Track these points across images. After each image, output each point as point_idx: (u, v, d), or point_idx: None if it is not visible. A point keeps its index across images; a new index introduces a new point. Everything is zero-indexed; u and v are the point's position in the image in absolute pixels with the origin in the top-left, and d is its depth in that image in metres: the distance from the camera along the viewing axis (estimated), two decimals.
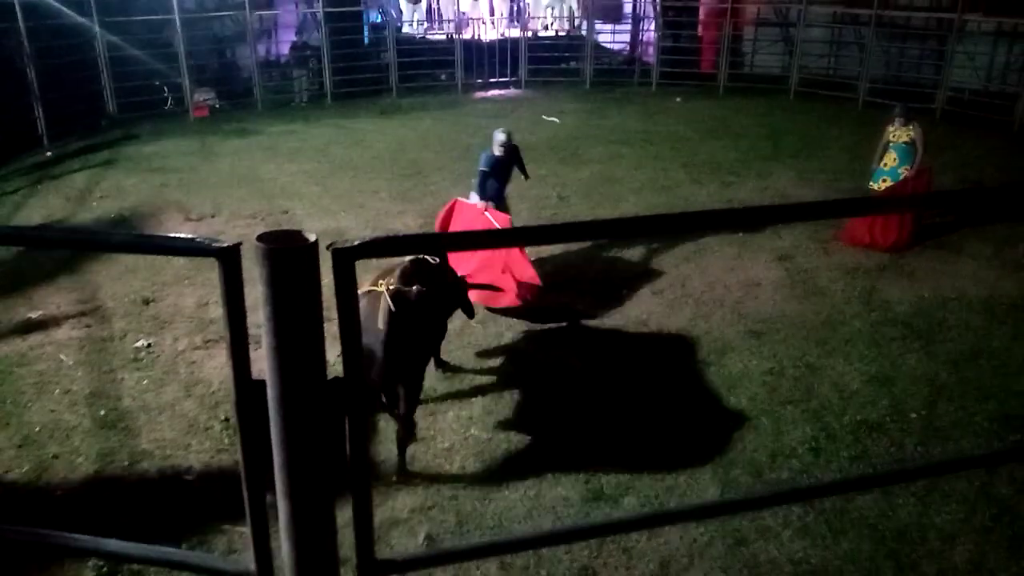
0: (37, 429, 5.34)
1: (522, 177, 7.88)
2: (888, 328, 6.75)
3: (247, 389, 1.18)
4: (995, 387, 5.88)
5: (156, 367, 6.13)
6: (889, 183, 8.46)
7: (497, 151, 7.31)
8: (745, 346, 6.47)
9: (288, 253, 1.09)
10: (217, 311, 6.67)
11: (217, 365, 6.09)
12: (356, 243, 1.14)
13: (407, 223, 9.20)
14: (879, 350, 6.41)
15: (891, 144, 8.51)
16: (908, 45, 15.87)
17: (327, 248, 1.13)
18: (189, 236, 1.25)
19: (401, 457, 4.90)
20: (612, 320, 6.92)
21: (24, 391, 5.78)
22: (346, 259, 1.13)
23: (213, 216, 9.37)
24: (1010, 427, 5.45)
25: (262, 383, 1.16)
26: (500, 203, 7.36)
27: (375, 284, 4.89)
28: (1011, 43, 14.65)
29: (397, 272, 5.01)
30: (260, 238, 1.09)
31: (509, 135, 7.42)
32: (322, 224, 9.14)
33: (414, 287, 4.87)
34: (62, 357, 6.22)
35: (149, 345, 6.42)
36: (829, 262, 8.01)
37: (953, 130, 13.13)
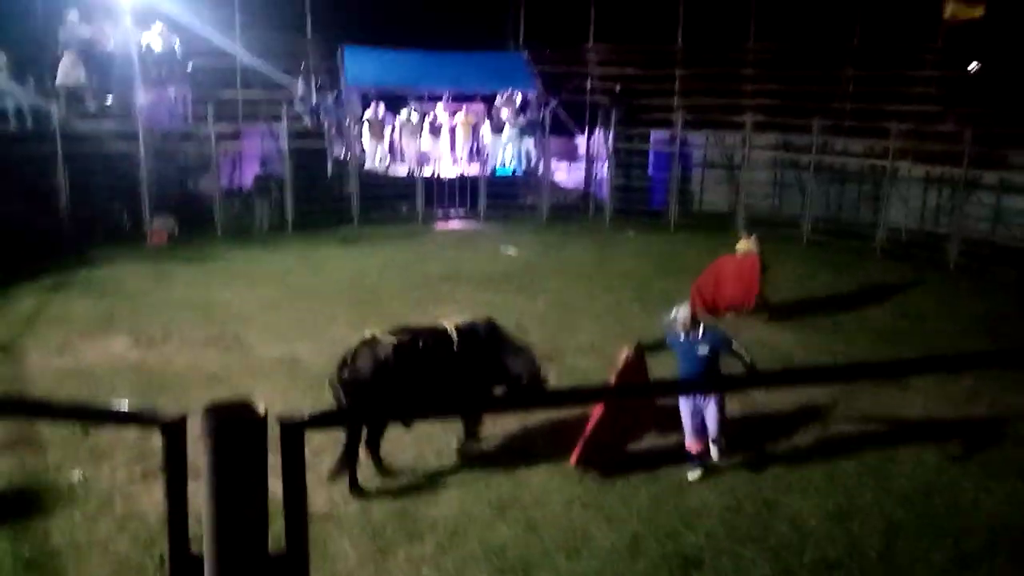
0: None
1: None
2: (843, 463, 6.77)
3: (185, 566, 1.11)
4: (950, 524, 5.87)
5: (91, 501, 5.81)
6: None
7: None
8: (702, 480, 6.41)
9: (234, 427, 1.05)
10: (158, 442, 6.42)
11: (155, 499, 5.79)
12: (306, 416, 1.12)
13: None
14: (835, 485, 6.39)
15: (739, 253, 11.02)
16: (846, 187, 16.83)
17: (276, 421, 1.11)
18: (134, 408, 1.21)
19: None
20: (565, 451, 6.81)
21: None
22: (295, 432, 1.10)
23: (163, 342, 9.19)
24: (967, 565, 5.41)
25: (200, 561, 1.10)
26: None
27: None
28: (939, 188, 15.65)
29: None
30: (208, 411, 1.06)
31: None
32: (276, 351, 9.02)
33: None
34: None
35: (85, 478, 6.10)
36: (783, 396, 8.11)
37: (893, 266, 13.76)
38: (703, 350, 6.32)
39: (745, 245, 11.06)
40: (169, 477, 1.09)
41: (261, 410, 1.11)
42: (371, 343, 6.29)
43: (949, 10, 17.51)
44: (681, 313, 6.39)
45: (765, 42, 19.15)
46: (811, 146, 16.05)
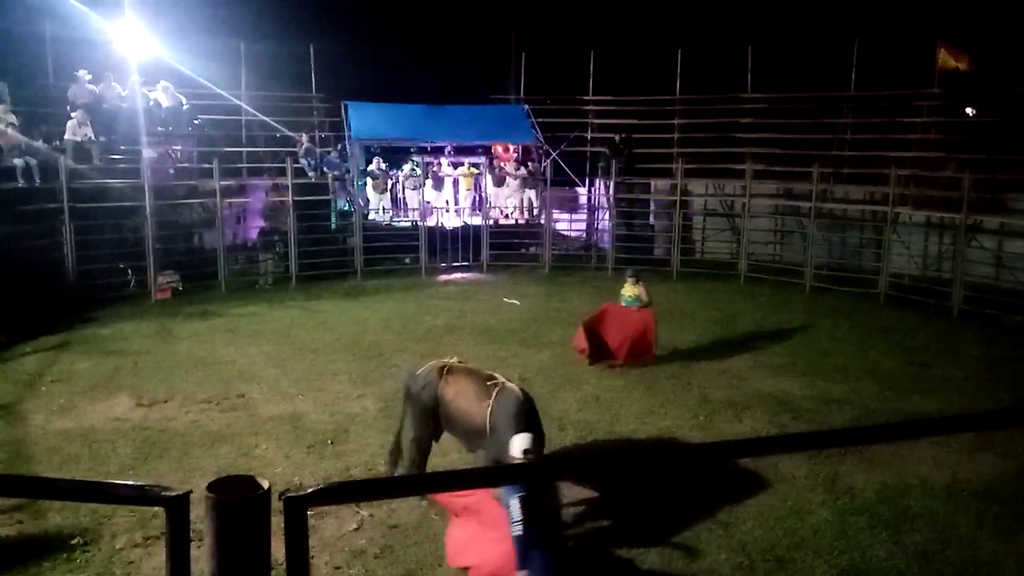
0: None
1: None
2: (854, 517, 6.65)
3: None
4: None
5: (91, 567, 5.71)
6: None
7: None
8: (713, 538, 6.29)
9: (237, 504, 1.05)
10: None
11: (156, 565, 5.70)
12: (309, 491, 1.11)
13: (366, 406, 9.07)
14: (847, 541, 6.27)
15: (623, 297, 10.93)
16: (848, 233, 16.90)
17: (279, 498, 1.09)
18: (137, 484, 1.20)
19: None
20: (570, 514, 6.71)
21: None
22: (298, 507, 1.09)
23: (166, 401, 9.13)
24: None
25: None
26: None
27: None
28: (941, 233, 15.72)
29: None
30: (211, 487, 1.06)
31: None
32: (279, 408, 8.96)
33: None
34: None
35: (85, 543, 6.01)
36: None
37: (896, 313, 13.74)
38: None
39: (631, 290, 10.90)
40: (172, 553, 1.07)
41: (265, 485, 1.10)
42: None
43: (940, 58, 17.80)
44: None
45: (762, 92, 19.43)
46: (811, 193, 16.16)
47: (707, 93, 19.70)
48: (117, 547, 5.97)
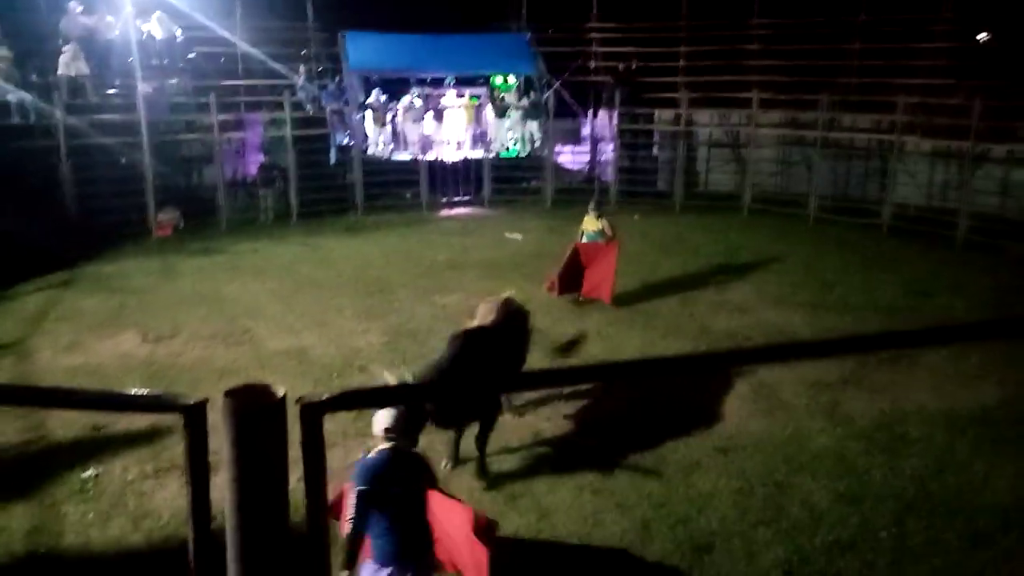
0: None
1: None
2: (853, 443, 6.76)
3: (208, 551, 1.13)
4: (962, 503, 5.85)
5: (103, 499, 5.85)
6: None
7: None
8: (713, 464, 6.41)
9: (255, 411, 1.06)
10: (170, 438, 6.47)
11: (168, 496, 5.83)
12: (324, 397, 1.13)
13: (370, 341, 9.14)
14: (845, 466, 6.38)
15: (584, 232, 10.52)
16: (853, 164, 16.69)
17: (296, 403, 1.11)
18: (155, 393, 1.22)
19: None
20: (574, 441, 6.82)
21: None
22: (314, 413, 1.11)
23: (172, 337, 9.21)
24: (980, 544, 5.40)
25: (221, 545, 1.12)
26: None
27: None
28: (947, 163, 15.51)
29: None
30: (228, 394, 1.07)
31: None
32: (284, 343, 9.04)
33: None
34: None
35: (96, 475, 6.14)
36: (792, 376, 8.08)
37: (900, 244, 13.68)
38: None
39: (594, 224, 10.46)
40: (191, 461, 1.10)
41: (280, 392, 1.14)
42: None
43: None
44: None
45: (769, 18, 18.91)
46: (817, 122, 15.91)
47: (714, 19, 19.19)
48: (128, 478, 6.10)
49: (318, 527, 1.15)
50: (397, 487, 3.97)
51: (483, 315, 6.92)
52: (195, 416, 1.10)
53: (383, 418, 4.09)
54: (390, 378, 5.41)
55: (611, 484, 6.14)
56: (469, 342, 6.22)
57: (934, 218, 14.37)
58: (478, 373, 5.68)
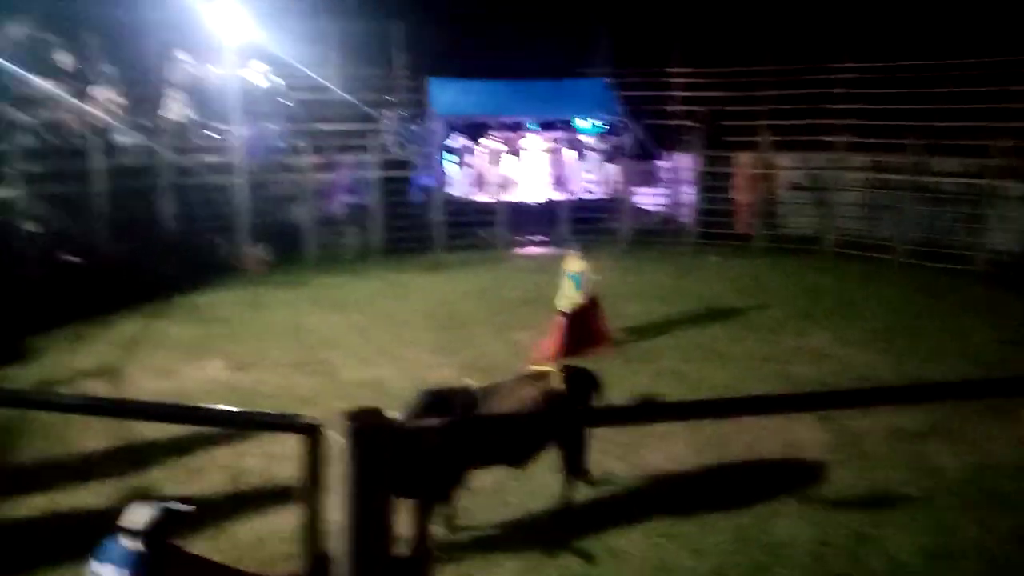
0: None
1: None
2: (940, 497, 6.44)
3: (319, 564, 1.19)
4: None
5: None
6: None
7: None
8: (790, 512, 6.21)
9: (375, 432, 1.13)
10: (253, 462, 6.69)
11: (244, 517, 6.01)
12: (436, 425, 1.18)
13: (445, 375, 9.25)
14: (934, 521, 6.08)
15: (566, 272, 10.12)
16: (941, 208, 16.09)
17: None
18: (276, 412, 1.32)
19: None
20: (646, 480, 6.72)
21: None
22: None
23: (255, 365, 9.56)
24: None
25: (328, 559, 1.17)
26: None
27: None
28: None
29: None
30: (347, 416, 1.14)
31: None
32: (361, 374, 9.26)
33: None
34: None
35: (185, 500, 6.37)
36: (876, 424, 7.78)
37: (993, 290, 13.09)
38: None
39: (575, 265, 10.06)
40: (307, 478, 1.18)
41: (392, 416, 1.19)
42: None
43: None
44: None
45: (855, 62, 18.56)
46: (904, 166, 15.45)
47: (796, 63, 18.97)
48: (208, 500, 6.32)
49: (422, 544, 1.20)
50: None
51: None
52: (312, 434, 1.17)
53: (135, 514, 3.61)
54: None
55: (684, 529, 6.02)
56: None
57: None
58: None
